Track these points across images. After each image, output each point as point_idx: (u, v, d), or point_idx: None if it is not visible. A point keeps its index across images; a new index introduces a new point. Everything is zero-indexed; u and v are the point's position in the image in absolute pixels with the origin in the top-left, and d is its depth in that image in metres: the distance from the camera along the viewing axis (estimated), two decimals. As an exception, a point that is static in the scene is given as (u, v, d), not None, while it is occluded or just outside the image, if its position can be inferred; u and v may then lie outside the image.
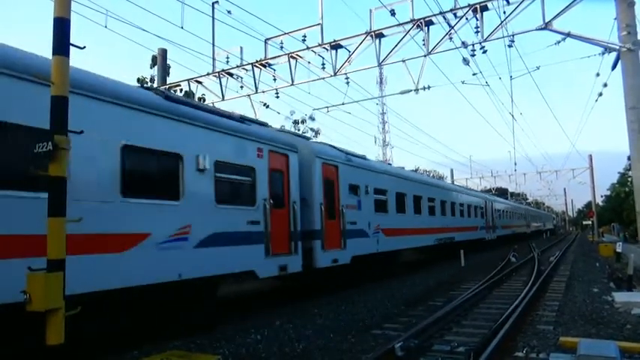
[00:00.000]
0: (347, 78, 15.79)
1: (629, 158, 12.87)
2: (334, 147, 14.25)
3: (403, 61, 14.34)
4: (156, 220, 7.45)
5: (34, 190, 5.64)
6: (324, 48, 14.87)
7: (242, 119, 10.53)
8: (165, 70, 17.48)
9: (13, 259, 5.41)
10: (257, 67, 15.99)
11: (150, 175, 7.70)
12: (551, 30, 11.93)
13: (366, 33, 14.25)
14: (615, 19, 11.56)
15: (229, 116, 10.07)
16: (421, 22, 13.53)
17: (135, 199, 7.14)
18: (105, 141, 6.80)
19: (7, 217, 5.53)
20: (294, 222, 11.06)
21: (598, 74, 14.32)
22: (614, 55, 11.68)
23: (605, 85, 14.72)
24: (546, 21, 11.89)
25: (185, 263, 7.85)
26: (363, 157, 15.86)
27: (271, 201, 10.29)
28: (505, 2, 12.62)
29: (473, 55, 13.64)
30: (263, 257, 9.89)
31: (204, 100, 18.80)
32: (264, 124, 11.54)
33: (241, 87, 16.86)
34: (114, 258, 6.72)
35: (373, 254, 14.77)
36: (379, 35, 14.22)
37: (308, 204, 11.83)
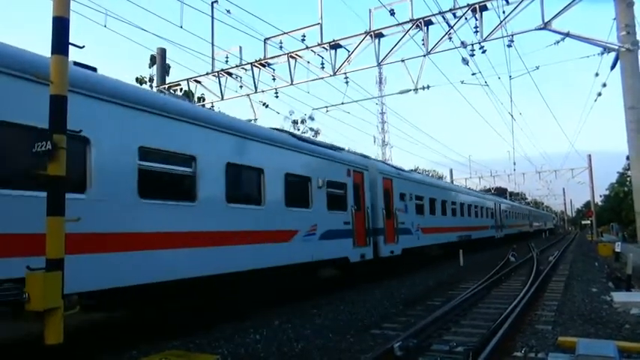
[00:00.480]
0: (346, 78, 15.79)
1: (627, 158, 12.88)
2: (389, 164, 19.86)
3: (402, 60, 14.35)
4: (301, 221, 11.34)
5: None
6: (323, 48, 14.87)
7: (334, 148, 14.43)
8: (164, 70, 17.47)
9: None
10: (256, 66, 15.98)
11: (297, 192, 11.45)
12: (550, 30, 11.94)
13: (365, 33, 14.25)
14: (614, 19, 11.57)
15: (330, 147, 14.18)
16: (420, 22, 13.53)
17: (292, 207, 11.06)
18: (278, 169, 10.72)
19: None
20: (368, 222, 14.59)
21: (597, 74, 14.34)
22: (613, 55, 11.70)
23: (604, 85, 14.75)
24: (545, 21, 11.90)
25: (314, 250, 11.67)
26: (407, 171, 21.11)
27: (355, 207, 13.76)
28: (504, 2, 12.63)
29: (472, 55, 13.65)
30: (352, 247, 13.47)
31: (203, 100, 18.79)
32: (341, 149, 15.37)
33: (240, 87, 16.86)
34: (286, 245, 10.71)
35: (415, 247, 18.60)
36: (378, 35, 14.22)
37: (374, 208, 15.21)
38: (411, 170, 27.53)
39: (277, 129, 12.51)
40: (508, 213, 43.46)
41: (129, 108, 7.32)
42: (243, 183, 9.93)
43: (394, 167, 19.26)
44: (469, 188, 39.22)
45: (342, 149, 15.37)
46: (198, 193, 8.39)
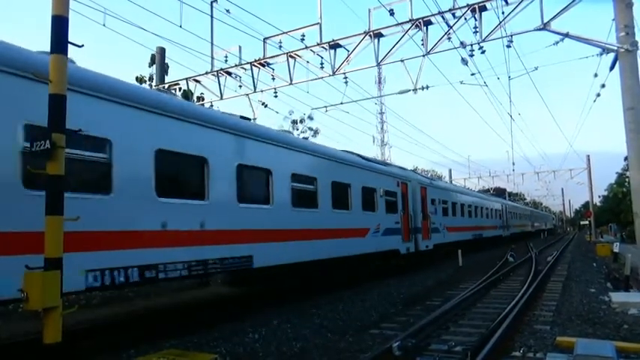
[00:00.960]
0: (345, 77, 15.79)
1: (626, 159, 12.89)
2: (423, 175, 25.80)
3: (402, 60, 14.35)
4: (371, 222, 14.96)
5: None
6: (322, 47, 14.86)
7: (386, 164, 20.09)
8: (163, 69, 17.45)
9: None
10: (256, 66, 15.98)
11: (368, 199, 15.07)
12: (549, 30, 11.95)
13: (364, 33, 14.25)
14: (613, 19, 11.57)
15: (384, 164, 19.25)
16: (420, 22, 13.53)
17: (366, 211, 14.70)
18: (358, 184, 14.35)
19: None
20: (411, 222, 18.51)
21: (596, 75, 14.33)
22: (612, 55, 11.70)
23: (603, 85, 14.76)
24: (545, 21, 11.91)
25: (378, 243, 15.38)
26: (436, 180, 26.71)
27: (402, 210, 17.61)
28: (504, 2, 12.63)
29: (471, 56, 13.66)
30: (401, 242, 17.31)
31: (202, 99, 18.77)
32: (387, 163, 20.75)
33: (240, 86, 16.85)
34: (361, 239, 14.29)
35: (443, 243, 22.70)
36: (378, 35, 14.22)
37: (415, 211, 19.09)
38: (413, 170, 29.91)
39: (347, 151, 15.74)
40: (513, 214, 47.69)
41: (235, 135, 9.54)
42: (338, 195, 13.27)
43: (427, 178, 25.16)
44: (482, 192, 45.92)
45: (391, 165, 21.56)
46: (319, 203, 12.26)
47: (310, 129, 32.82)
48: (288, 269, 10.84)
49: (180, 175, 8.47)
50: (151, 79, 19.59)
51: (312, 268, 12.07)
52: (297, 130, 31.39)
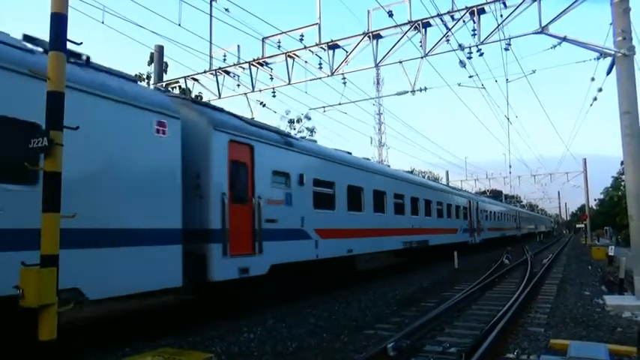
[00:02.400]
0: (344, 78, 15.80)
1: (622, 163, 12.94)
2: (470, 193, 38.77)
3: (400, 62, 14.36)
4: (458, 224, 27.48)
5: None
6: (321, 48, 14.86)
7: (461, 189, 37.13)
8: (161, 67, 17.42)
9: None
10: (254, 65, 15.97)
11: (457, 211, 27.48)
12: (547, 34, 11.98)
13: (363, 34, 14.26)
14: (611, 24, 11.62)
15: (459, 189, 35.17)
16: (418, 24, 13.55)
17: (456, 219, 27.32)
18: (458, 204, 28.29)
19: None
20: (472, 225, 30.36)
21: (593, 79, 14.35)
22: (609, 60, 11.74)
23: (600, 89, 14.78)
24: (543, 25, 11.94)
25: (460, 237, 27.69)
26: (481, 195, 43.41)
27: (469, 217, 30.01)
28: (502, 6, 12.66)
29: (469, 58, 13.67)
30: (468, 237, 29.50)
31: (200, 98, 18.75)
32: (461, 190, 36.30)
33: (238, 85, 16.82)
34: (455, 234, 26.70)
35: (486, 238, 34.87)
36: (376, 36, 14.23)
37: (472, 218, 31.05)
38: (410, 172, 34.36)
39: (435, 179, 32.97)
40: (523, 218, 59.51)
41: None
42: (443, 210, 24.56)
43: (473, 194, 38.10)
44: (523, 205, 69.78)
45: (463, 190, 37.34)
46: (432, 214, 22.73)
47: (307, 129, 32.86)
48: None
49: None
50: (148, 77, 19.57)
51: (435, 249, 22.87)
52: (294, 129, 31.43)
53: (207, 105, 10.72)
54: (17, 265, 4.57)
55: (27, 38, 6.74)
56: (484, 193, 53.60)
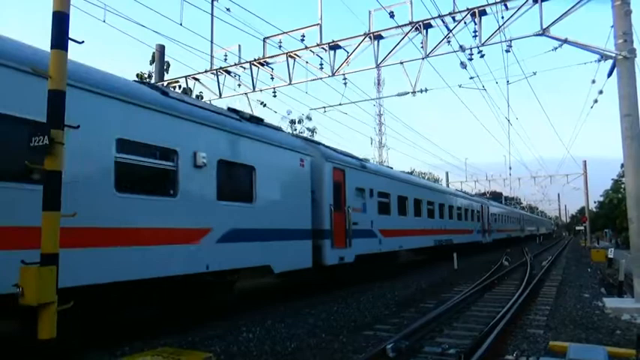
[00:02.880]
0: (345, 79, 15.83)
1: (622, 165, 12.93)
2: (482, 197, 40.27)
3: (401, 63, 14.36)
4: (472, 226, 31.16)
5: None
6: (322, 48, 14.87)
7: (472, 195, 37.11)
8: (162, 66, 17.42)
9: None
10: (255, 65, 15.97)
11: (472, 214, 31.38)
12: (548, 36, 11.98)
13: (364, 34, 14.27)
14: (612, 26, 11.62)
15: (472, 195, 37.76)
16: (420, 25, 13.56)
17: (472, 221, 31.71)
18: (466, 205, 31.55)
19: None
20: (484, 226, 34.26)
21: (594, 81, 14.37)
22: (610, 62, 11.74)
23: (601, 92, 14.78)
24: (544, 27, 11.94)
25: (475, 237, 31.74)
26: (492, 202, 43.68)
27: (481, 219, 33.74)
28: (503, 7, 12.67)
29: (470, 59, 13.67)
30: (481, 237, 33.13)
31: (201, 98, 18.76)
32: (472, 195, 39.01)
33: (239, 85, 16.83)
34: (470, 235, 30.80)
35: (497, 238, 38.91)
36: (378, 37, 14.24)
37: (484, 220, 34.76)
38: (410, 173, 36.60)
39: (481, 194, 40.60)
40: (526, 221, 64.65)
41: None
42: (466, 214, 29.91)
43: (486, 199, 40.41)
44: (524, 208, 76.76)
45: (474, 195, 38.91)
46: (453, 217, 27.20)
47: (308, 129, 32.89)
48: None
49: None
50: (150, 76, 19.58)
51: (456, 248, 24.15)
52: (295, 130, 31.46)
53: (320, 143, 14.77)
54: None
55: (231, 110, 10.89)
56: (484, 194, 53.63)
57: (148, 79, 19.65)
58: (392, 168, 24.75)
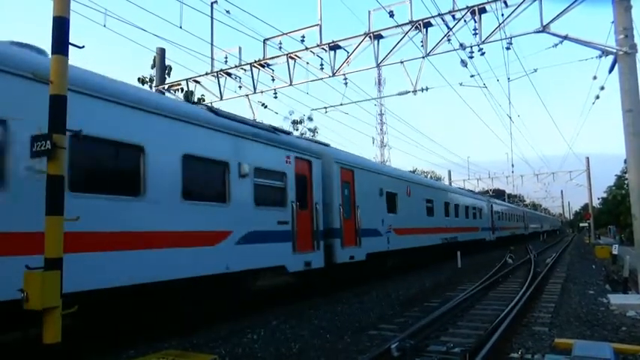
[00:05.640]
0: (345, 79, 15.80)
1: (625, 161, 12.90)
2: (487, 196, 42.21)
3: (401, 62, 14.35)
4: (479, 224, 32.40)
5: None
6: (322, 49, 14.87)
7: (475, 193, 38.93)
8: (163, 70, 17.44)
9: None
10: (255, 67, 15.98)
11: (475, 213, 31.61)
12: (548, 33, 11.96)
13: (364, 34, 14.26)
14: (613, 22, 11.59)
15: (475, 193, 40.12)
16: (420, 24, 13.54)
17: (477, 219, 31.73)
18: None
19: None
20: (491, 223, 35.58)
21: (595, 77, 14.31)
22: (611, 58, 11.71)
23: (602, 88, 14.76)
24: (544, 24, 11.92)
25: (480, 234, 32.13)
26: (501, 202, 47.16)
27: (486, 217, 34.32)
28: (503, 5, 12.64)
29: (471, 57, 13.66)
30: (490, 235, 34.13)
31: (203, 100, 18.78)
32: (476, 192, 40.94)
33: (240, 87, 16.83)
34: (476, 232, 31.02)
35: (501, 236, 39.53)
36: (378, 36, 14.23)
37: (490, 219, 35.52)
38: (412, 171, 36.17)
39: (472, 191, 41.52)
40: (530, 218, 66.67)
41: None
42: (473, 212, 30.57)
43: (490, 197, 41.06)
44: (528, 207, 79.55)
45: (481, 193, 40.10)
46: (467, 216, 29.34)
47: (309, 130, 32.89)
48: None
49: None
50: (151, 80, 19.60)
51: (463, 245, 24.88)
52: (297, 130, 31.45)
53: (327, 145, 15.16)
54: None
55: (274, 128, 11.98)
56: (487, 192, 53.51)
57: (149, 83, 19.69)
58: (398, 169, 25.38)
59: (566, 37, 11.90)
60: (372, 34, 14.18)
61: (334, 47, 14.78)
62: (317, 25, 14.75)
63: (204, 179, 8.87)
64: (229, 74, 16.60)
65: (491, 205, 36.88)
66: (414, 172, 34.77)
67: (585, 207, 77.83)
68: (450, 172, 52.66)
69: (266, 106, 17.66)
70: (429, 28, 13.59)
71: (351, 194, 14.15)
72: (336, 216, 13.02)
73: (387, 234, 16.35)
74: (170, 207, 7.79)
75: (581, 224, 72.07)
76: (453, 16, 13.20)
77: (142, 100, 7.65)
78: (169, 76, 18.39)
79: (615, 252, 21.97)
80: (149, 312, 8.08)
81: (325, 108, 18.25)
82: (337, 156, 14.00)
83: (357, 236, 14.06)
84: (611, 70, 12.00)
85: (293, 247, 11.10)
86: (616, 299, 11.23)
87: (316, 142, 15.48)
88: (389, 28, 14.06)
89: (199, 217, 8.41)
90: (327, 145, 15.08)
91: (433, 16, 13.35)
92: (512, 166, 41.57)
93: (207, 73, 16.78)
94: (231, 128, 9.53)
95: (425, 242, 20.52)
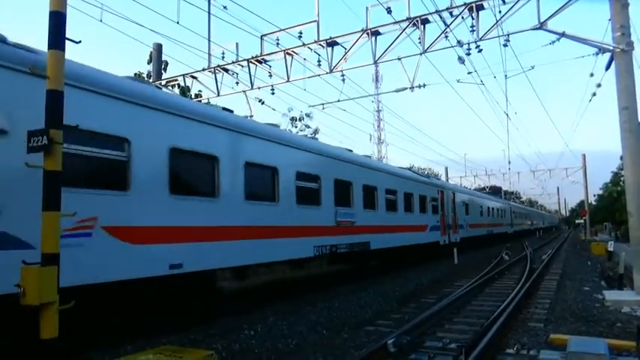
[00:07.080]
0: (343, 75, 15.77)
1: (621, 158, 12.94)
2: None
3: (399, 58, 14.35)
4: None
5: None
6: (320, 45, 14.84)
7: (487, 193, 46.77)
8: (160, 65, 17.39)
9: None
10: (253, 63, 15.95)
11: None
12: (546, 30, 11.97)
13: (362, 30, 14.24)
14: (609, 19, 11.61)
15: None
16: (417, 21, 13.54)
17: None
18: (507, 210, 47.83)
19: None
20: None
21: (592, 74, 14.34)
22: (608, 55, 11.74)
23: (599, 85, 14.75)
24: (541, 21, 11.93)
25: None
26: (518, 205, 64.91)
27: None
28: (501, 1, 12.65)
29: (468, 54, 13.66)
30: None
31: (200, 96, 18.74)
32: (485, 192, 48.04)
33: (237, 83, 16.80)
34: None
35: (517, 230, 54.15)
36: (375, 33, 14.21)
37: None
38: (409, 169, 31.92)
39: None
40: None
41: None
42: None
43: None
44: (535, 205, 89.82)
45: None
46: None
47: (307, 126, 32.88)
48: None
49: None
50: (148, 75, 19.54)
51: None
52: (296, 127, 31.47)
53: (437, 177, 31.27)
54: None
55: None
56: (483, 189, 53.62)
57: (147, 79, 19.62)
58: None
59: (563, 35, 11.92)
60: (369, 31, 14.16)
61: (332, 44, 14.76)
62: (314, 21, 14.74)
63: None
64: (226, 70, 16.56)
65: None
66: (410, 168, 34.19)
67: (581, 204, 78.14)
68: (447, 169, 52.80)
69: (263, 102, 17.64)
70: (426, 25, 13.60)
71: (454, 206, 25.83)
72: (450, 218, 24.51)
73: (466, 227, 27.88)
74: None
75: (577, 221, 72.39)
76: (451, 13, 13.20)
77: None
78: (165, 72, 18.34)
79: (611, 249, 22.10)
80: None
81: (323, 104, 18.23)
82: (449, 186, 26.72)
83: (457, 228, 25.91)
84: (607, 67, 12.03)
85: (440, 233, 22.59)
86: (611, 295, 11.30)
87: (438, 179, 27.05)
88: (386, 24, 14.05)
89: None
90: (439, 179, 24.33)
91: (430, 13, 13.36)
92: (509, 162, 41.47)
93: (204, 69, 16.74)
94: (418, 181, 19.74)
95: (483, 232, 34.50)
